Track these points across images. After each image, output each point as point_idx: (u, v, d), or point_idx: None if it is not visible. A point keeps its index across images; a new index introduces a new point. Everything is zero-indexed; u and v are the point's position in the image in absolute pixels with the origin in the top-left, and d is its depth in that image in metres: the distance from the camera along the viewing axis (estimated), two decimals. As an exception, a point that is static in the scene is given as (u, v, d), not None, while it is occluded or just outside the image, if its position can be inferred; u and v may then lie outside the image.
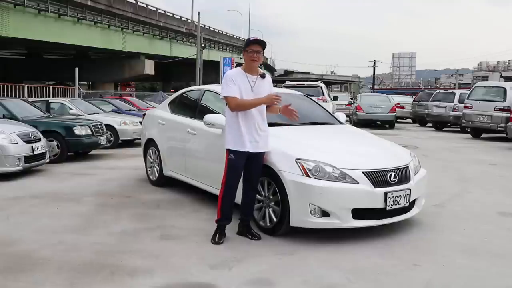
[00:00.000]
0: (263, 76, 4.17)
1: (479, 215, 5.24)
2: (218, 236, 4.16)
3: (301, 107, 5.93)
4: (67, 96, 18.91)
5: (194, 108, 5.85)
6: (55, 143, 8.77)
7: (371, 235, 4.30)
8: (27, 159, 7.24)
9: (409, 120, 23.65)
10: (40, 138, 7.75)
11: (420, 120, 21.15)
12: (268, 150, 4.25)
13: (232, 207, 4.25)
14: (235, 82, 4.05)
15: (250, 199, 4.32)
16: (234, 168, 4.12)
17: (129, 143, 11.77)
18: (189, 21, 38.76)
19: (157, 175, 6.48)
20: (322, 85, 16.47)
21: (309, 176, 4.06)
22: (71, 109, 11.75)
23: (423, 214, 4.91)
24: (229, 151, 4.11)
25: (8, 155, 6.96)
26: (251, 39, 4.15)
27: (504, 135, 13.34)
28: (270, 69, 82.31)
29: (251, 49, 4.06)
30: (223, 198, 4.19)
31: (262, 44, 4.11)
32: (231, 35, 51.82)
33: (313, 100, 6.43)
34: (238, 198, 4.43)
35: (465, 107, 15.10)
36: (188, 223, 4.74)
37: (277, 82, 33.55)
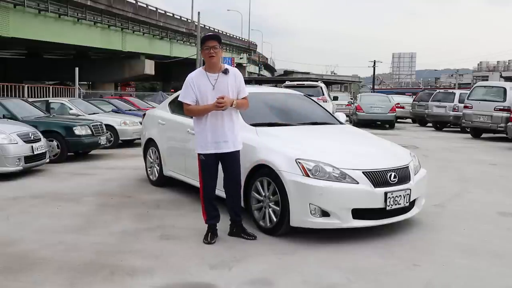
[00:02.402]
0: (225, 72, 4.09)
1: (479, 215, 5.24)
2: (210, 236, 4.16)
3: (301, 107, 5.97)
4: (67, 96, 18.90)
5: (194, 108, 5.84)
6: (55, 143, 8.77)
7: (371, 235, 4.30)
8: (27, 159, 7.24)
9: (409, 120, 23.65)
10: (40, 138, 7.75)
11: (420, 120, 21.14)
12: (240, 148, 4.21)
13: (215, 205, 4.25)
14: (195, 85, 4.03)
15: (234, 199, 4.29)
16: (207, 168, 4.13)
17: (129, 143, 11.77)
18: (189, 21, 38.77)
19: (157, 175, 6.48)
20: (322, 85, 16.47)
21: (309, 176, 4.06)
22: (71, 109, 11.76)
23: (423, 214, 4.91)
24: (200, 153, 4.12)
25: (8, 155, 6.96)
26: (205, 35, 4.10)
27: (504, 135, 13.33)
28: (270, 69, 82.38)
29: (207, 46, 4.00)
30: (204, 199, 4.21)
31: (217, 39, 4.09)
32: (231, 35, 51.83)
33: (313, 100, 6.43)
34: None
35: (465, 107, 15.09)
36: (188, 223, 4.74)
37: (277, 82, 33.61)
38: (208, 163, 4.11)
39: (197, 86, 4.03)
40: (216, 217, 4.25)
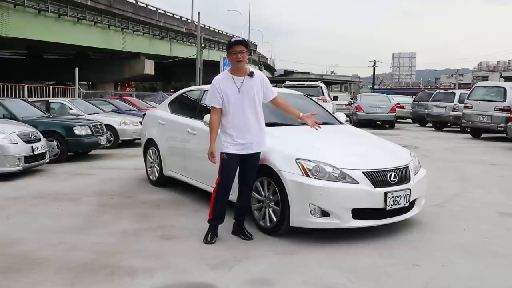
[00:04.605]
0: (251, 75, 4.14)
1: (479, 215, 5.24)
2: (211, 236, 4.16)
3: (301, 107, 5.95)
4: (67, 96, 18.89)
5: (194, 108, 5.85)
6: (55, 143, 8.78)
7: (371, 235, 4.30)
8: (27, 159, 7.24)
9: (409, 120, 23.65)
10: (40, 138, 7.75)
11: (420, 120, 21.14)
12: (264, 149, 4.25)
13: (225, 207, 4.24)
14: (221, 88, 4.06)
15: (246, 199, 4.33)
16: (229, 168, 4.13)
17: (129, 143, 11.77)
18: (189, 21, 38.76)
19: (157, 175, 6.48)
20: (322, 85, 16.46)
21: (309, 176, 4.06)
22: (71, 109, 11.76)
23: (423, 214, 4.91)
24: (223, 152, 4.13)
25: (8, 155, 6.96)
26: (232, 40, 4.11)
27: (504, 135, 13.33)
28: (270, 69, 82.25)
29: (234, 51, 4.03)
30: (216, 198, 4.19)
31: (244, 43, 4.14)
32: (231, 35, 51.81)
33: (313, 100, 6.43)
34: (233, 197, 4.44)
35: (465, 107, 15.09)
36: (188, 223, 4.74)
37: (277, 82, 33.61)
38: (231, 162, 4.11)
39: (223, 89, 4.06)
40: (221, 219, 4.25)
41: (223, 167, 4.14)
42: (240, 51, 4.03)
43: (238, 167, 4.21)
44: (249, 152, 4.13)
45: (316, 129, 4.40)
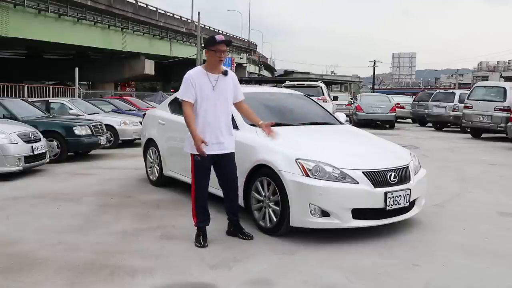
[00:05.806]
0: (225, 73, 4.10)
1: (479, 215, 5.24)
2: (202, 239, 4.09)
3: (301, 107, 5.97)
4: (67, 96, 18.89)
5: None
6: (55, 143, 8.78)
7: (371, 235, 4.30)
8: (27, 159, 7.24)
9: (409, 120, 23.65)
10: (40, 138, 7.75)
11: (420, 120, 21.15)
12: (234, 151, 4.18)
13: (206, 208, 4.19)
14: (195, 83, 3.99)
15: (231, 199, 4.26)
16: (201, 169, 4.06)
17: (129, 143, 11.76)
18: (189, 21, 38.79)
19: (157, 175, 6.48)
20: (322, 85, 16.46)
21: (309, 176, 4.06)
22: (71, 109, 11.77)
23: (423, 214, 4.91)
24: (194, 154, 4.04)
25: (8, 155, 6.96)
26: (217, 39, 3.98)
27: (504, 135, 13.34)
28: (270, 69, 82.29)
29: (219, 49, 3.98)
30: (196, 200, 4.13)
31: (229, 44, 4.09)
32: (231, 35, 51.84)
33: (313, 100, 6.43)
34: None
35: (465, 107, 15.09)
36: (188, 223, 4.72)
37: (277, 82, 33.61)
38: (203, 164, 4.04)
39: (198, 85, 4.00)
40: (206, 220, 4.19)
41: (196, 167, 4.06)
42: (223, 50, 3.99)
43: (215, 171, 4.15)
44: (222, 153, 4.07)
45: (272, 137, 4.15)
